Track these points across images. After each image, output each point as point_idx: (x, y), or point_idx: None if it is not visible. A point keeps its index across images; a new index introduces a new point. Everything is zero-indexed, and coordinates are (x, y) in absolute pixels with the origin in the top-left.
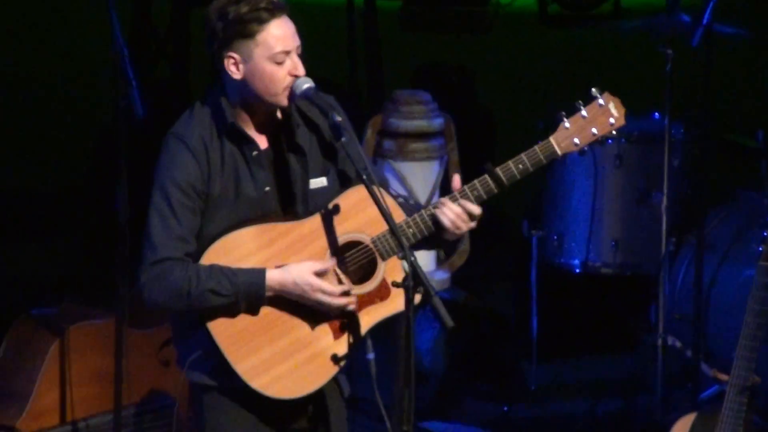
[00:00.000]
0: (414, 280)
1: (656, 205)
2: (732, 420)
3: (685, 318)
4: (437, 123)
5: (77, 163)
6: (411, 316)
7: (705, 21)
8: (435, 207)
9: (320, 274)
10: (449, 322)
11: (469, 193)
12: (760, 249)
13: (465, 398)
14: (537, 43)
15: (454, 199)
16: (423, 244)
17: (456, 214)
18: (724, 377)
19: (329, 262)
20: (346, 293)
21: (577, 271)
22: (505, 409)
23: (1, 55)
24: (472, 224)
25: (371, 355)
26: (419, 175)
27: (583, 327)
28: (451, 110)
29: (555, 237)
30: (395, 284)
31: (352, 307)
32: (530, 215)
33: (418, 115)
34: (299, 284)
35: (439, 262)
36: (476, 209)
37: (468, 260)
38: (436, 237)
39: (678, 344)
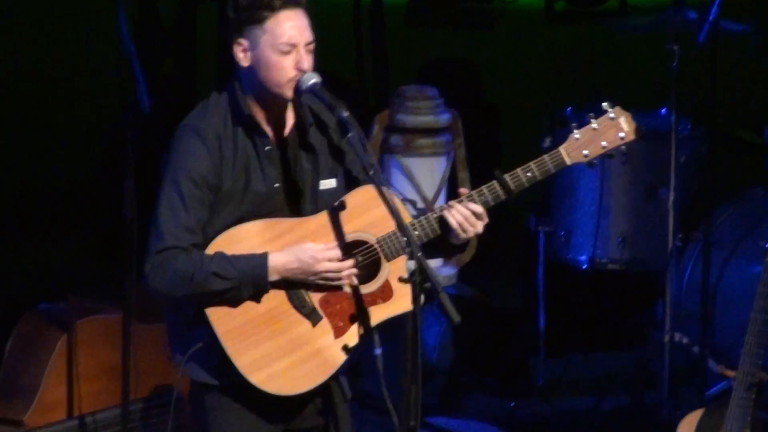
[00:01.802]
0: (421, 275)
1: (663, 201)
2: (739, 416)
3: (692, 314)
4: (444, 118)
5: (84, 159)
6: (418, 312)
7: (711, 17)
8: (442, 209)
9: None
10: (456, 318)
11: (477, 198)
12: (767, 245)
13: (472, 394)
14: (543, 39)
15: (461, 202)
16: (426, 250)
17: (463, 215)
18: (731, 373)
19: (332, 244)
20: (348, 268)
21: (584, 266)
22: (512, 404)
23: (9, 52)
24: (479, 227)
25: (378, 351)
26: (426, 171)
27: (590, 323)
28: (458, 106)
29: (562, 233)
30: (402, 279)
31: (355, 279)
32: (537, 211)
33: (425, 110)
34: (303, 259)
35: (446, 258)
36: (482, 211)
37: (475, 256)
38: (441, 240)
39: (685, 340)
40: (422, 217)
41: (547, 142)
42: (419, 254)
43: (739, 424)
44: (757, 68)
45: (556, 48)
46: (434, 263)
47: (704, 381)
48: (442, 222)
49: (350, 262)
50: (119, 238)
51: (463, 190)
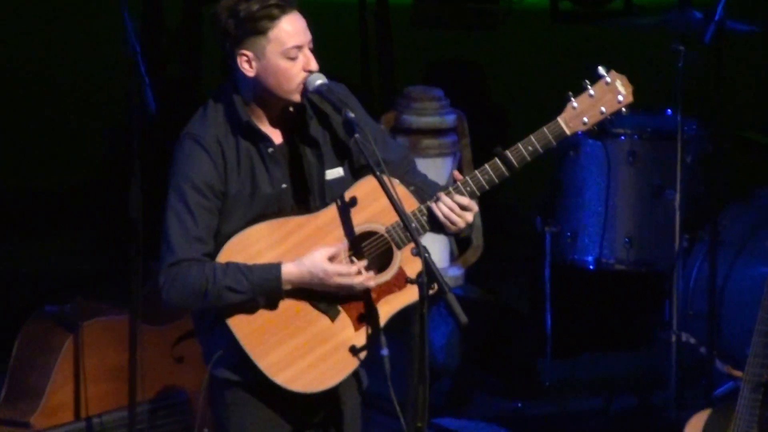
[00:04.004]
0: (428, 276)
1: (669, 201)
2: (746, 416)
3: (698, 314)
4: (450, 119)
5: (90, 160)
6: (425, 313)
7: (717, 17)
8: (433, 201)
9: (333, 258)
10: (463, 319)
11: (480, 177)
12: None
13: (479, 394)
14: (548, 39)
15: (448, 193)
16: (436, 232)
17: (449, 207)
18: (738, 373)
19: (340, 244)
20: (360, 272)
21: (591, 267)
22: (519, 405)
23: (14, 53)
24: (468, 218)
25: (385, 352)
26: (432, 172)
27: (596, 323)
28: (464, 107)
29: (568, 234)
30: (409, 281)
31: (371, 283)
32: (543, 212)
33: (431, 111)
34: (315, 273)
35: (453, 259)
36: (467, 201)
37: (481, 257)
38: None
39: (692, 341)
40: (415, 209)
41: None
42: (426, 255)
43: (747, 425)
44: (763, 68)
45: (562, 48)
46: (441, 264)
47: (711, 381)
48: (431, 215)
49: (362, 275)
50: (125, 239)
51: (458, 175)
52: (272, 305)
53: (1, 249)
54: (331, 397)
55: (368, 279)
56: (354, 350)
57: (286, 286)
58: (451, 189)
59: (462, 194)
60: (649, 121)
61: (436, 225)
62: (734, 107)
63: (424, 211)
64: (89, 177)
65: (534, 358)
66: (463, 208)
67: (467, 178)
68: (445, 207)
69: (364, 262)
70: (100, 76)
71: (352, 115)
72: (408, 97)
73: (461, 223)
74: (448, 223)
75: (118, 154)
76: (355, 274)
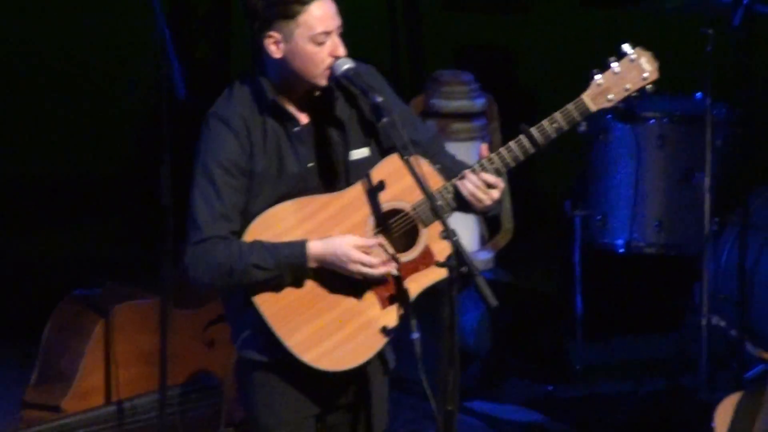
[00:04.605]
0: (457, 259)
1: (699, 185)
2: None
3: (729, 298)
4: (479, 103)
5: (121, 145)
6: (454, 296)
7: (746, 1)
8: (458, 178)
9: (361, 248)
10: (493, 302)
11: (506, 154)
12: None
13: (509, 378)
14: (578, 23)
15: (473, 171)
16: (463, 210)
17: (475, 185)
18: None
19: (373, 239)
20: (385, 262)
21: (621, 251)
22: (550, 388)
23: (44, 40)
24: (495, 195)
25: (416, 335)
26: (462, 156)
27: (627, 307)
28: (493, 90)
29: (598, 217)
30: (439, 264)
31: (394, 271)
32: (573, 195)
33: (460, 95)
34: (339, 256)
35: (483, 243)
36: (493, 179)
37: (511, 240)
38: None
39: (722, 324)
40: (441, 187)
41: (583, 126)
42: (455, 238)
43: None
44: None
45: (591, 32)
46: (471, 248)
47: (742, 364)
48: (457, 192)
49: (384, 267)
50: (156, 223)
51: (484, 151)
52: (298, 283)
53: (34, 234)
54: (358, 377)
55: (390, 269)
56: (381, 328)
57: (312, 264)
58: (476, 166)
59: (488, 171)
60: (678, 105)
61: (462, 203)
62: (763, 90)
63: (450, 189)
64: (120, 162)
65: (564, 341)
66: (489, 185)
67: (492, 155)
68: (470, 184)
69: (393, 253)
70: (129, 61)
71: (379, 99)
72: (437, 81)
73: (487, 201)
74: (474, 201)
75: (149, 139)
76: (379, 265)
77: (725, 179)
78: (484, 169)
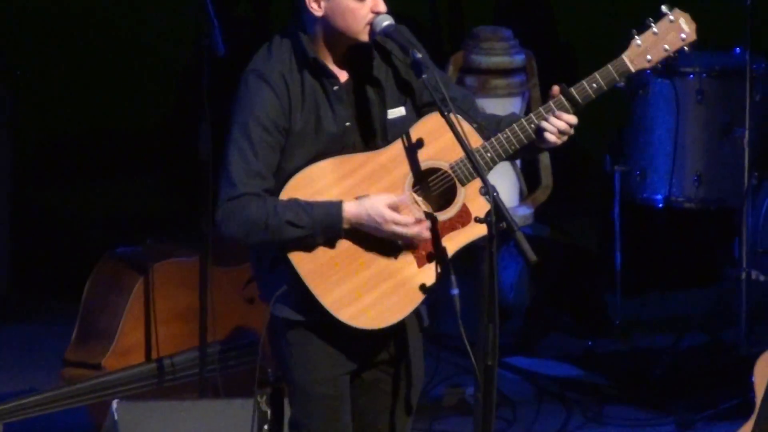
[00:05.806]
0: (496, 215)
1: (738, 139)
2: None
3: None
4: (519, 59)
5: (160, 102)
6: (494, 252)
7: None
8: (536, 118)
9: (394, 207)
10: (533, 258)
11: (544, 113)
12: None
13: (549, 333)
14: None
15: (551, 111)
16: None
17: (567, 122)
18: None
19: (404, 196)
20: (419, 221)
21: (660, 205)
22: (590, 343)
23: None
24: (564, 136)
25: (455, 291)
26: (501, 112)
27: (666, 261)
28: (532, 46)
29: (638, 172)
30: (478, 219)
31: (426, 234)
32: (613, 151)
33: (500, 51)
34: (372, 216)
35: (522, 198)
36: (574, 120)
37: (551, 196)
38: (524, 151)
39: (762, 278)
40: (500, 134)
41: (622, 82)
42: (495, 194)
43: None
44: None
45: None
46: (510, 204)
47: None
48: (538, 130)
49: (418, 226)
50: (196, 180)
51: (556, 90)
52: (331, 243)
53: (73, 192)
54: (395, 334)
55: (424, 230)
56: (418, 286)
57: (346, 226)
58: (552, 106)
59: (567, 111)
60: (717, 60)
61: (518, 150)
62: None
63: (488, 148)
64: (160, 119)
65: (604, 296)
66: (572, 126)
67: (532, 114)
68: (560, 122)
69: (427, 210)
70: (169, 18)
71: (420, 55)
72: (476, 38)
73: (560, 142)
74: (556, 138)
75: (188, 95)
76: (413, 224)
77: (764, 133)
78: (562, 107)
